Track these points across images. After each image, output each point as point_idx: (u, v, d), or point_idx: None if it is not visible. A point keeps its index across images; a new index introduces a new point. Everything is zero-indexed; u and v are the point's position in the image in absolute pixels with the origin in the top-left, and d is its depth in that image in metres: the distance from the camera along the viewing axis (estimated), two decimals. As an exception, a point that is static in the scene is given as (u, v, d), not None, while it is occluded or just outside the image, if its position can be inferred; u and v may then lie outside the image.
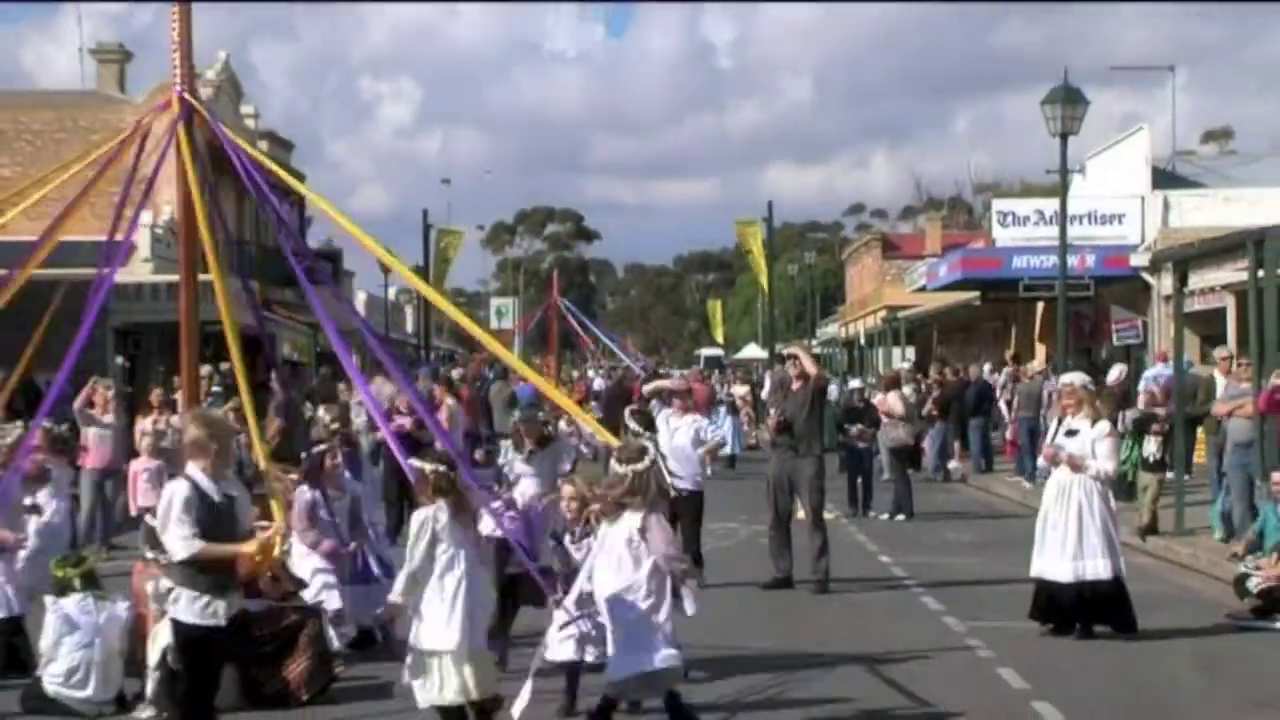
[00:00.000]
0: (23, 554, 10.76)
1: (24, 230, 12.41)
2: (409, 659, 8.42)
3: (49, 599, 10.02)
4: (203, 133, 10.02)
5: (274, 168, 10.83)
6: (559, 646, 9.17)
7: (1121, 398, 19.25)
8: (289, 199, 28.63)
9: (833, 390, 27.41)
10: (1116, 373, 21.12)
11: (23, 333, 10.74)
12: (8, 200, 10.65)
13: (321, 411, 14.60)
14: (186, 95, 9.72)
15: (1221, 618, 12.66)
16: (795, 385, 14.79)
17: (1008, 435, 27.66)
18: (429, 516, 8.34)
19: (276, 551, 8.46)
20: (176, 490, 7.83)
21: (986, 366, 31.25)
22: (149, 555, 9.69)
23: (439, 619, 8.28)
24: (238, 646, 9.73)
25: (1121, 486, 19.37)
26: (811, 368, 15.03)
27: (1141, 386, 21.34)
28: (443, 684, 8.30)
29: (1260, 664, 11.09)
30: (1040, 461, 13.30)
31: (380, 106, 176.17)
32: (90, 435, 17.21)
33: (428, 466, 8.50)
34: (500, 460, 11.81)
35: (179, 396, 11.54)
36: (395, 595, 8.49)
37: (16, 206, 10.24)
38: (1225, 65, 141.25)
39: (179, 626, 7.91)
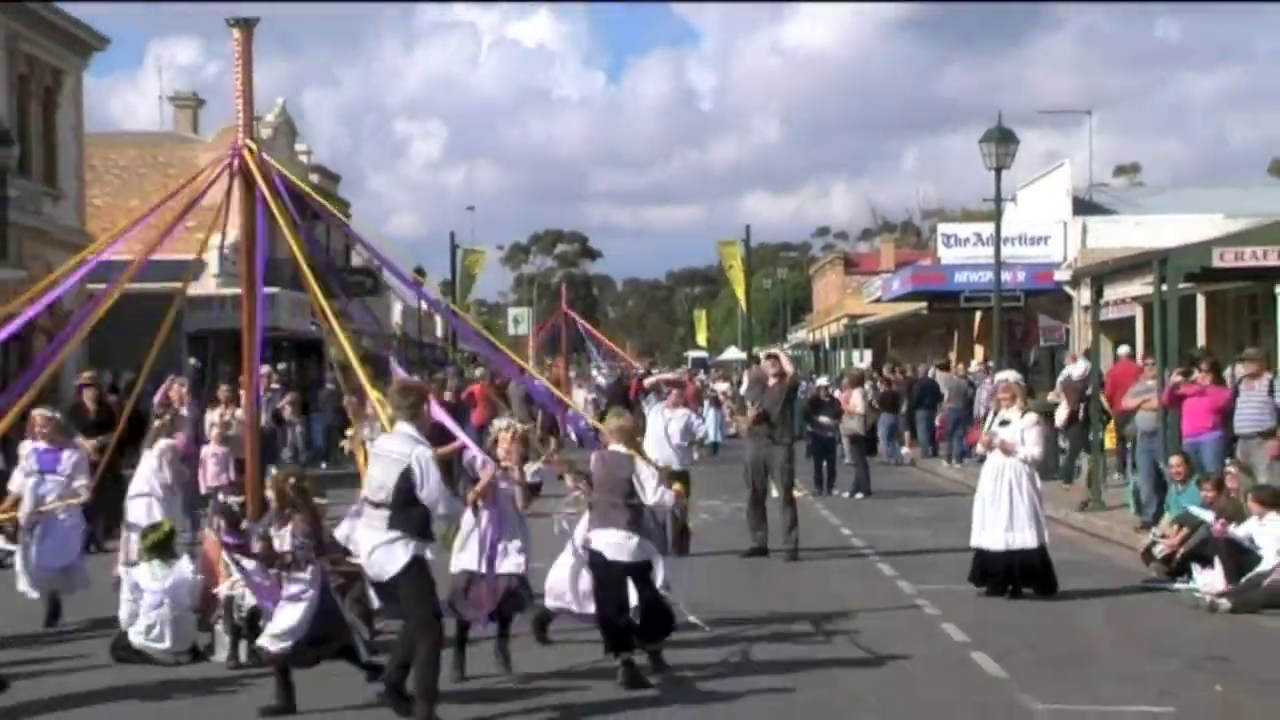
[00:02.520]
0: None
1: (116, 251, 12.38)
2: None
3: (122, 568, 10.07)
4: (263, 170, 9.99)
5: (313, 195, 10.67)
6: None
7: (1082, 393, 19.24)
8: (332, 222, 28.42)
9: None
10: (1081, 370, 20.89)
11: (108, 336, 10.70)
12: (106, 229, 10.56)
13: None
14: (248, 143, 9.64)
15: (1130, 581, 12.69)
16: (772, 382, 14.81)
17: (936, 423, 27.69)
18: None
19: None
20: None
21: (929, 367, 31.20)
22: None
23: None
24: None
25: (1067, 470, 19.41)
26: (789, 367, 15.11)
27: (1059, 383, 21.32)
28: None
29: (1161, 620, 11.12)
30: (978, 447, 13.31)
31: (412, 144, 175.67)
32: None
33: None
34: None
35: (242, 392, 11.53)
36: None
37: (122, 237, 10.23)
38: (1133, 110, 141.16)
39: None
